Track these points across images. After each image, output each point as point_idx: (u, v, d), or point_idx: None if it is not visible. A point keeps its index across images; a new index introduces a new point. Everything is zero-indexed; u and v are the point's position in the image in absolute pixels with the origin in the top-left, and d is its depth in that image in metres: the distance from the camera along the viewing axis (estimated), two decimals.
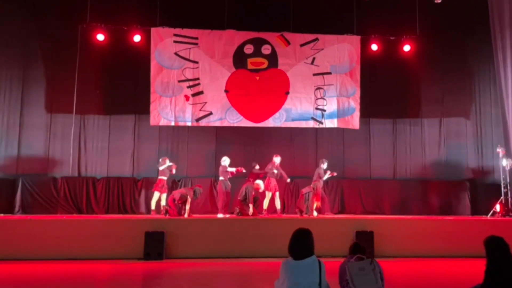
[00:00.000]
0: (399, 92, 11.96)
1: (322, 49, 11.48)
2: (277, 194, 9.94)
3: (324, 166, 10.04)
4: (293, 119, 11.33)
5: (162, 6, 10.94)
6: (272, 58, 11.39)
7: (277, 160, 9.94)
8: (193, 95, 11.14)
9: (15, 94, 11.07)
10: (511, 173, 9.93)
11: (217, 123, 11.24)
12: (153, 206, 10.06)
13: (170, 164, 10.11)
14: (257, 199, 9.74)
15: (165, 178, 10.10)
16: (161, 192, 10.04)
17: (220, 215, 9.46)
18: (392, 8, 11.35)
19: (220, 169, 9.84)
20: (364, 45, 11.50)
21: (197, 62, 11.20)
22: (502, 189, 9.86)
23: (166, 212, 9.28)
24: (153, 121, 10.99)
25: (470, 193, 11.52)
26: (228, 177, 9.79)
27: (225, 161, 9.84)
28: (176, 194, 9.25)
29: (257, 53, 11.36)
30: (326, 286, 3.44)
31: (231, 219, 9.09)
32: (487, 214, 9.92)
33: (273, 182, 9.83)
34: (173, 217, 8.92)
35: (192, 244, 7.94)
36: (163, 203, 9.98)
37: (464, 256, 7.67)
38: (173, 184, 10.80)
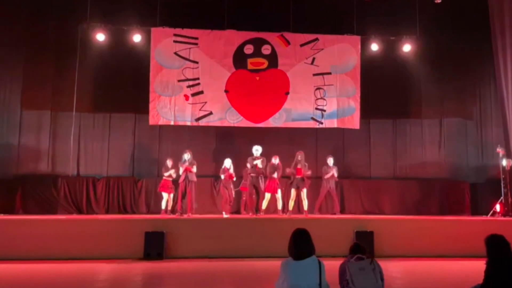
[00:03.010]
0: (399, 92, 11.95)
1: (322, 49, 11.47)
2: (278, 194, 9.95)
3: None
4: (293, 120, 11.32)
5: (162, 6, 10.93)
6: (272, 59, 11.39)
7: (275, 161, 9.95)
8: (193, 95, 11.14)
9: (15, 94, 11.07)
10: (511, 173, 9.93)
11: (217, 123, 11.24)
12: (163, 206, 10.10)
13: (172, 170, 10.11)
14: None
15: (169, 179, 10.14)
16: (169, 193, 10.11)
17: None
18: (392, 8, 11.33)
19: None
20: (364, 45, 11.49)
21: (197, 62, 11.19)
22: (502, 189, 9.86)
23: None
24: (152, 120, 10.99)
25: (470, 193, 11.52)
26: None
27: (226, 162, 9.86)
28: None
29: (257, 53, 11.35)
30: (326, 286, 3.44)
31: (231, 219, 9.10)
32: (487, 214, 9.92)
33: (273, 182, 9.84)
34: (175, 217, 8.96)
35: (192, 244, 7.94)
36: (170, 203, 10.16)
37: (464, 256, 7.68)
38: (174, 184, 10.75)
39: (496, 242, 3.61)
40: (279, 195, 9.95)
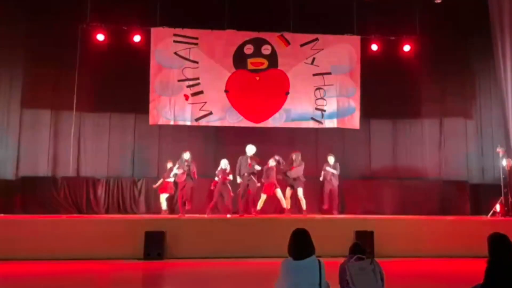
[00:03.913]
0: (399, 92, 11.92)
1: (322, 49, 11.47)
2: (278, 195, 9.92)
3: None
4: (293, 120, 11.32)
5: (162, 6, 10.93)
6: (272, 59, 11.39)
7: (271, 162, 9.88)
8: (193, 94, 11.14)
9: (15, 94, 11.07)
10: (511, 173, 9.92)
11: (217, 123, 11.24)
12: (165, 207, 10.21)
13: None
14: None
15: (171, 180, 10.20)
16: (170, 193, 10.28)
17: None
18: (392, 8, 11.33)
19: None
20: (364, 45, 11.48)
21: (197, 62, 11.20)
22: (502, 189, 9.85)
23: None
24: (152, 120, 11.00)
25: (470, 193, 11.51)
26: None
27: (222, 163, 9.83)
28: None
29: (257, 53, 11.36)
30: (326, 286, 3.44)
31: (230, 219, 9.10)
32: (487, 214, 9.92)
33: (271, 184, 9.79)
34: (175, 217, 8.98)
35: (192, 244, 7.94)
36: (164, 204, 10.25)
37: (464, 256, 7.68)
38: (173, 184, 10.75)
39: (499, 241, 3.59)
40: (279, 195, 9.90)
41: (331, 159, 10.48)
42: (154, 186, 10.45)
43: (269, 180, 9.75)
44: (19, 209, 10.42)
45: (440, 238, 8.20)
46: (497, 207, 9.78)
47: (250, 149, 9.78)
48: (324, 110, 11.38)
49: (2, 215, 9.41)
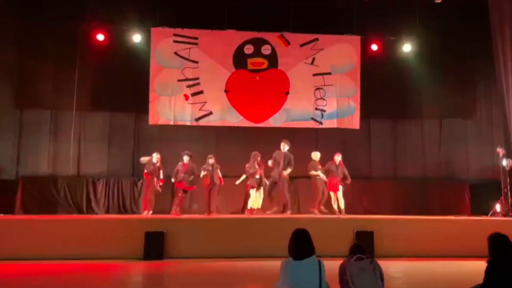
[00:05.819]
0: (399, 92, 11.93)
1: (322, 49, 11.48)
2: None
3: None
4: (293, 120, 11.33)
5: (162, 6, 10.96)
6: (272, 59, 11.40)
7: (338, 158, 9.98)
8: (193, 94, 11.15)
9: (15, 93, 11.08)
10: (511, 173, 9.93)
11: (217, 123, 11.25)
12: (249, 205, 9.93)
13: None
14: None
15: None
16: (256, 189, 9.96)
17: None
18: (392, 8, 11.34)
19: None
20: (364, 45, 11.49)
21: (197, 62, 11.20)
22: (502, 189, 9.85)
23: None
24: (151, 120, 11.01)
25: (470, 193, 11.51)
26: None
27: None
28: None
29: (257, 53, 11.37)
30: (326, 286, 3.44)
31: (231, 219, 9.10)
32: (487, 214, 9.92)
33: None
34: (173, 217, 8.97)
35: (192, 244, 7.93)
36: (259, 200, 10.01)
37: (464, 256, 7.68)
38: (173, 185, 10.75)
39: (499, 241, 3.59)
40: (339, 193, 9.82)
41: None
42: (237, 183, 10.03)
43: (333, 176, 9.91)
44: (19, 209, 10.43)
45: (440, 238, 8.19)
46: (497, 207, 9.78)
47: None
48: (324, 111, 11.39)
49: (2, 215, 9.40)
